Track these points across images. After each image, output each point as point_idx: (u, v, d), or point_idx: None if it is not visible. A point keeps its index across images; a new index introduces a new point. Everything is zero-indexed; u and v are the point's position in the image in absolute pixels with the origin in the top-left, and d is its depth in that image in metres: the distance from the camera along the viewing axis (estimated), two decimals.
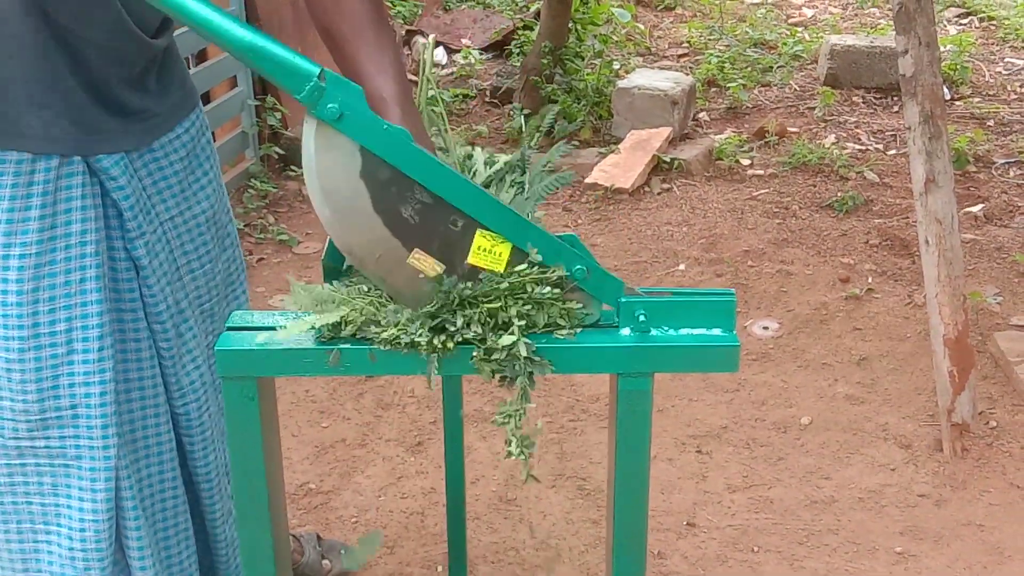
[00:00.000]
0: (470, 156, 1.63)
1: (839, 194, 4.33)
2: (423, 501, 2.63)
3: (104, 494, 1.62)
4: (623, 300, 1.38)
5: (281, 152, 4.60)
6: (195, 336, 1.72)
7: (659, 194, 4.42)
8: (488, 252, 1.35)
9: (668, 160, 4.58)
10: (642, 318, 1.37)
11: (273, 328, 1.36)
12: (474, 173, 1.57)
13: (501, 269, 1.35)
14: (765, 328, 3.43)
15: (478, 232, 1.34)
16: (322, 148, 1.29)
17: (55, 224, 1.54)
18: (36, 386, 1.57)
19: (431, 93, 1.61)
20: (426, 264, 1.34)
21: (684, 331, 1.38)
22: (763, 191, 4.44)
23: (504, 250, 1.35)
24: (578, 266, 1.36)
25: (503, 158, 1.62)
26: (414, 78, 5.90)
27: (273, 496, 1.41)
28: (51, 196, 1.53)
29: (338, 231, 1.34)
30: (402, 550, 2.47)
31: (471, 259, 1.35)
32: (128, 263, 1.62)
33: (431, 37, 1.68)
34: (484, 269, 1.35)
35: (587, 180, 4.44)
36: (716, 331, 1.39)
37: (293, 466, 2.75)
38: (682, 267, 3.82)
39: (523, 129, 1.92)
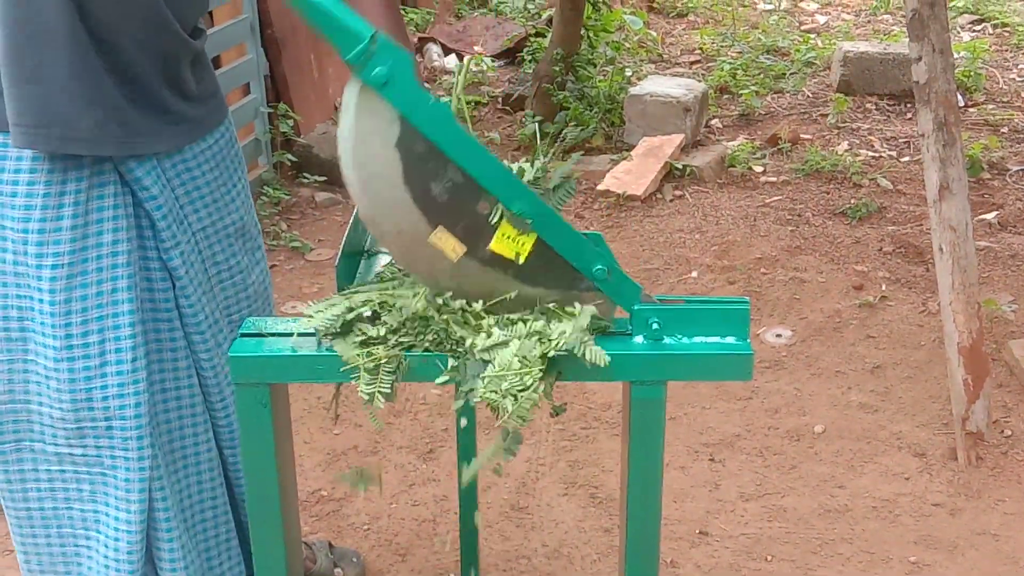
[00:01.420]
0: None
1: (852, 201, 4.32)
2: (435, 508, 2.62)
3: (138, 505, 1.63)
4: (637, 308, 1.37)
5: (294, 159, 4.61)
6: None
7: (671, 201, 4.41)
8: (512, 240, 1.34)
9: (680, 167, 4.57)
10: (655, 326, 1.37)
11: (289, 334, 1.36)
12: None
13: (522, 260, 1.34)
14: (778, 336, 3.41)
15: (505, 219, 1.33)
16: (362, 112, 1.27)
17: (87, 234, 1.54)
18: (70, 396, 1.58)
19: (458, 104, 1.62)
20: (447, 244, 1.33)
21: (698, 339, 1.38)
22: (776, 198, 4.43)
23: (528, 241, 1.34)
24: (599, 266, 1.35)
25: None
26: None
27: (285, 502, 1.41)
28: (83, 207, 1.53)
29: (364, 199, 1.32)
30: (414, 558, 2.46)
31: (494, 245, 1.33)
32: (164, 273, 1.62)
33: (467, 58, 1.69)
34: (505, 257, 1.33)
35: (599, 187, 4.44)
36: (730, 339, 1.39)
37: (305, 473, 2.75)
38: (694, 274, 3.82)
39: (537, 136, 1.92)
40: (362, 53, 1.24)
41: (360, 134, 1.29)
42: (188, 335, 1.67)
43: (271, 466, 1.36)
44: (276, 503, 1.38)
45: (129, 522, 1.64)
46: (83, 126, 1.49)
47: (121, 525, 1.64)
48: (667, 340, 1.37)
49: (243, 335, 1.36)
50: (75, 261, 1.54)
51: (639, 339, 1.37)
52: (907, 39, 2.92)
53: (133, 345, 1.59)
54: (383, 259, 1.55)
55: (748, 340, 1.39)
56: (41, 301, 1.54)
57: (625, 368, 1.36)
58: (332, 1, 1.27)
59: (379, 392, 1.30)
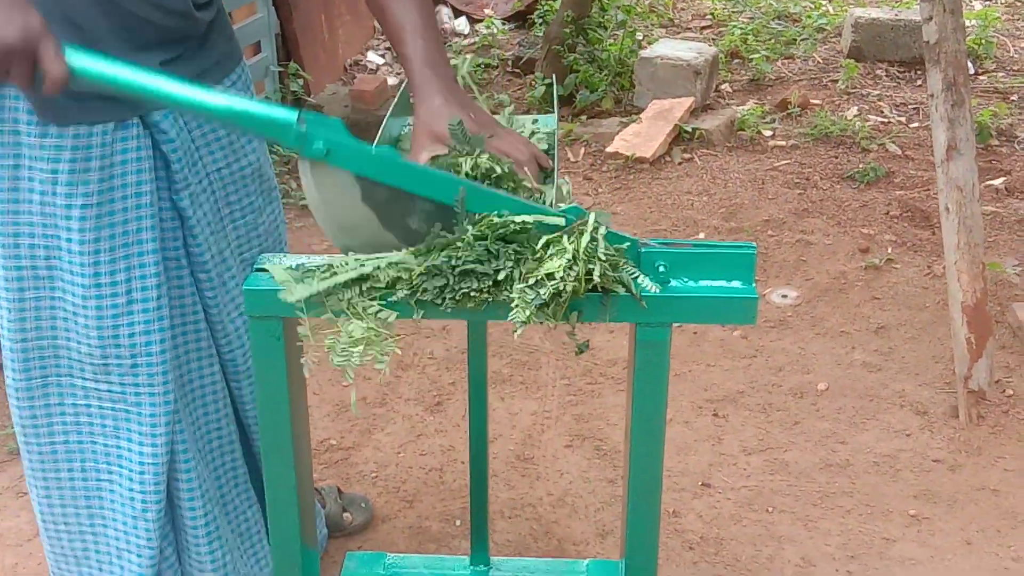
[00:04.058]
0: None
1: (860, 166, 4.32)
2: (442, 458, 2.66)
3: (164, 438, 1.69)
4: (644, 251, 1.39)
5: None
6: (238, 284, 1.76)
7: (680, 164, 4.42)
8: None
9: (690, 130, 4.58)
10: (662, 268, 1.39)
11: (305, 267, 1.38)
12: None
13: None
14: (784, 296, 3.44)
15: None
16: (321, 184, 1.34)
17: (113, 175, 1.58)
18: (97, 332, 1.63)
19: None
20: None
21: (704, 283, 1.40)
22: (784, 162, 4.44)
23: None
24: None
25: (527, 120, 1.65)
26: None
27: (297, 431, 1.44)
28: (109, 147, 1.57)
29: (361, 251, 1.37)
30: (421, 504, 2.51)
31: None
32: (172, 212, 1.66)
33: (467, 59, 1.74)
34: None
35: (608, 149, 4.45)
36: (735, 283, 1.41)
37: (315, 423, 2.79)
38: (702, 236, 3.83)
39: (555, 95, 1.94)
40: (297, 136, 1.31)
41: (329, 204, 1.35)
42: (193, 273, 1.71)
43: (284, 398, 1.39)
44: (288, 434, 1.41)
45: (155, 455, 1.69)
46: (88, 96, 1.52)
47: (146, 459, 1.69)
48: (673, 283, 1.39)
49: (258, 270, 1.39)
50: (103, 201, 1.58)
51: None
52: (918, 5, 2.92)
53: (157, 284, 1.64)
54: None
55: (753, 284, 1.41)
56: (69, 240, 1.58)
57: (631, 310, 1.38)
58: (249, 101, 1.33)
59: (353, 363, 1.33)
